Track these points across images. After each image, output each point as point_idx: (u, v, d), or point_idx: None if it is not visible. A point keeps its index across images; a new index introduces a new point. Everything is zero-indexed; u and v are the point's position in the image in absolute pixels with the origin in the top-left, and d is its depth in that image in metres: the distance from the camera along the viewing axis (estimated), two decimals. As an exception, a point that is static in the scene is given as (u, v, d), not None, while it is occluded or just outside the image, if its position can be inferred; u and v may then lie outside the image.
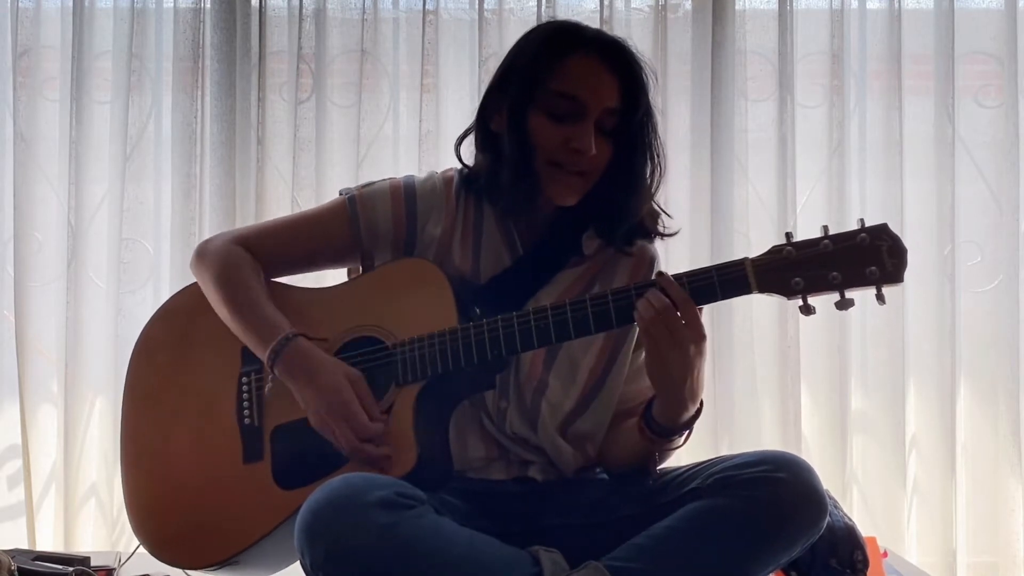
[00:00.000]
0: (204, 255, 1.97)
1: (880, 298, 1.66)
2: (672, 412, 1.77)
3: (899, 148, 2.97)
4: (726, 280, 1.70)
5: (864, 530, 2.02)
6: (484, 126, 1.89)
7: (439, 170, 2.02)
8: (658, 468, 1.86)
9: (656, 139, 1.87)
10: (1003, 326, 2.98)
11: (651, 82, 1.85)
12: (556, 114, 1.80)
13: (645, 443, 1.82)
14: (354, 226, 1.93)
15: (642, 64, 1.84)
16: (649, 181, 1.87)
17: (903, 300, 2.92)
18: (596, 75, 1.81)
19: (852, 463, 2.97)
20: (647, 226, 1.92)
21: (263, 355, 1.84)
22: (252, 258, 1.94)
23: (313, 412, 1.80)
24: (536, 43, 1.86)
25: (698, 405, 1.79)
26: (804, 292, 1.67)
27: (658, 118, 1.88)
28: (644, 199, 1.88)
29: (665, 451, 1.85)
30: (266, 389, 1.87)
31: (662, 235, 1.95)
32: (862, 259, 1.65)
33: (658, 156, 1.87)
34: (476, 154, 1.93)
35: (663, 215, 1.94)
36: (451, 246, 1.92)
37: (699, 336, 1.69)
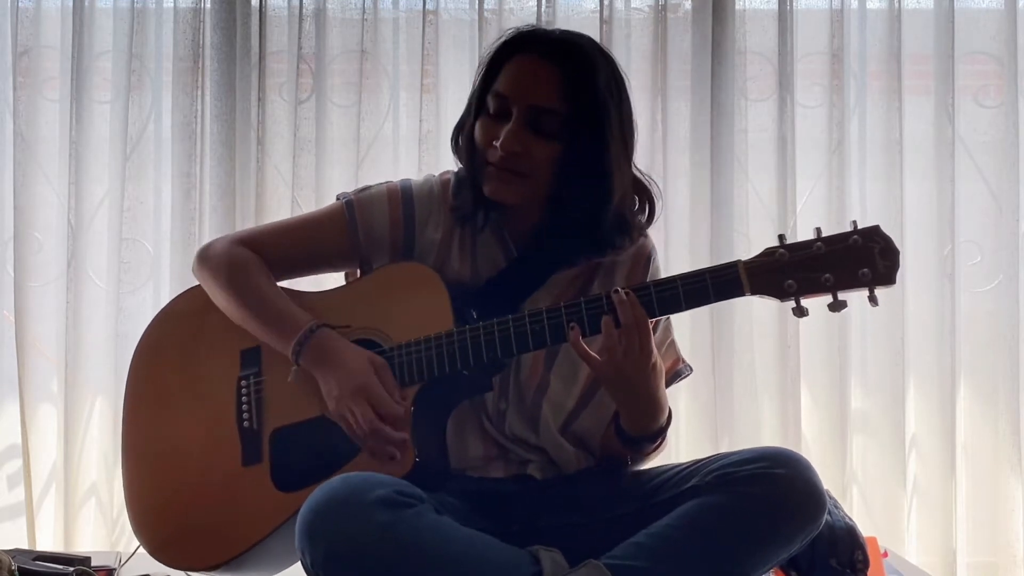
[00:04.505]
0: (207, 258, 1.97)
1: (872, 300, 1.67)
2: (634, 424, 1.81)
3: (899, 148, 2.97)
4: (719, 282, 1.71)
5: (864, 530, 2.01)
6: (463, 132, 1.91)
7: (439, 171, 2.02)
8: (658, 465, 1.89)
9: (615, 140, 1.78)
10: (1003, 326, 2.98)
11: (611, 81, 1.79)
12: (490, 114, 1.81)
13: (619, 448, 1.86)
14: (352, 230, 1.93)
15: (595, 63, 1.78)
16: (607, 183, 1.80)
17: (903, 300, 2.90)
18: (529, 73, 1.79)
19: (852, 463, 2.97)
20: (608, 236, 1.85)
21: (286, 348, 1.84)
22: (258, 257, 1.94)
23: (336, 397, 1.79)
24: (491, 51, 1.85)
25: (666, 416, 1.82)
26: (797, 294, 1.69)
27: (615, 116, 1.78)
28: (606, 200, 1.81)
29: (640, 456, 1.88)
30: (290, 377, 1.85)
31: (616, 247, 1.88)
32: (854, 261, 1.66)
33: (616, 157, 1.79)
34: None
35: (636, 219, 1.88)
36: (450, 250, 1.92)
37: (643, 363, 1.70)
